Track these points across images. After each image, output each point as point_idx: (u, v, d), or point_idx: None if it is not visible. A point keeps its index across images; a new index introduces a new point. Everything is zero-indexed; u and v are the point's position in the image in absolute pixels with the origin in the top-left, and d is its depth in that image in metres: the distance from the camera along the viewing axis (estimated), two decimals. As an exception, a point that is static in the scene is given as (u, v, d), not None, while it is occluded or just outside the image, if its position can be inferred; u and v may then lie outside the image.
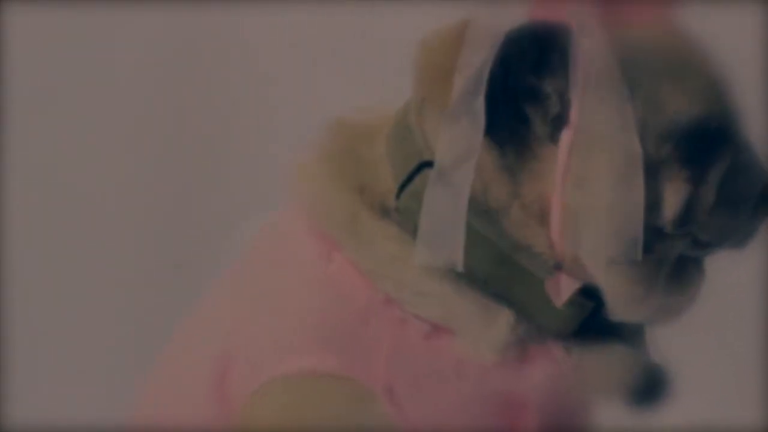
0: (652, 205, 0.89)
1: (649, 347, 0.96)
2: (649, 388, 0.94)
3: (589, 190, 0.88)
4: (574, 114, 0.88)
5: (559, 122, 0.89)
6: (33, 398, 1.73)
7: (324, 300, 0.92)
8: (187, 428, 0.97)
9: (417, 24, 0.95)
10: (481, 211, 0.90)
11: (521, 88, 0.89)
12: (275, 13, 1.72)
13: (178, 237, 1.78)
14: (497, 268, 0.91)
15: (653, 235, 0.89)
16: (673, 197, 0.90)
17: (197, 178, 1.79)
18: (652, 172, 0.88)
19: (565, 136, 0.88)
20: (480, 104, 0.87)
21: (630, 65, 0.88)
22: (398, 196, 0.93)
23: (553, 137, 0.89)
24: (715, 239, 0.93)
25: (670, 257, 0.92)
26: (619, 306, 0.91)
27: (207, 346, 0.97)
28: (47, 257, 1.78)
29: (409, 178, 0.92)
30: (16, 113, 1.75)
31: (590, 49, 0.88)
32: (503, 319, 0.91)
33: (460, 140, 0.88)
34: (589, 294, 0.92)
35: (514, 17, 0.88)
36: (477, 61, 0.88)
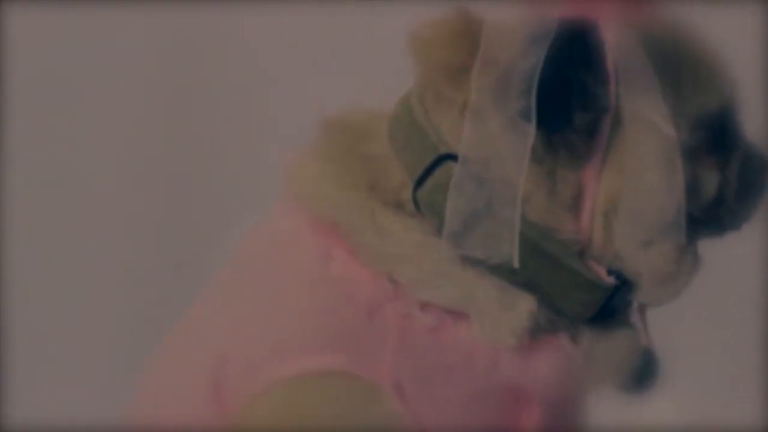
0: (688, 189, 0.92)
1: (638, 331, 0.98)
2: (644, 371, 0.96)
3: (630, 175, 0.91)
4: (612, 105, 0.91)
5: (599, 113, 0.91)
6: (33, 398, 1.73)
7: (327, 299, 0.93)
8: (184, 429, 0.97)
9: (417, 24, 0.96)
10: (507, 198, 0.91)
11: (566, 83, 0.90)
12: (275, 13, 1.72)
13: (178, 237, 1.78)
14: (523, 255, 0.91)
15: (686, 218, 0.92)
16: (708, 183, 0.94)
17: (197, 178, 1.79)
18: (688, 158, 0.92)
19: (605, 125, 0.91)
20: (532, 103, 0.89)
21: (653, 57, 0.91)
22: (416, 189, 0.93)
23: (590, 128, 0.91)
24: (736, 222, 0.98)
25: (697, 240, 0.96)
26: (652, 285, 0.94)
27: (205, 346, 0.97)
28: (47, 257, 1.79)
29: (428, 172, 0.93)
30: (16, 113, 1.75)
31: (620, 43, 0.90)
32: (524, 303, 0.92)
33: (492, 137, 0.90)
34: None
35: (530, 15, 0.90)
36: (500, 57, 0.90)
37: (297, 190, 0.97)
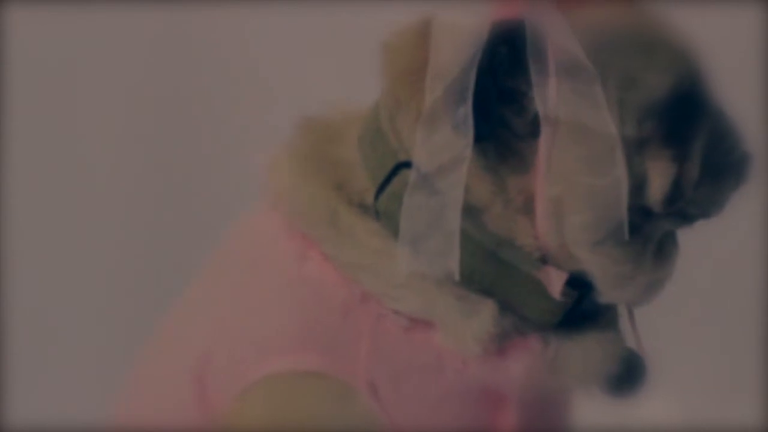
0: (638, 185, 0.90)
1: (623, 334, 0.96)
2: (627, 375, 0.95)
3: (571, 178, 0.89)
4: (550, 107, 0.88)
5: (537, 117, 0.89)
6: (33, 398, 1.73)
7: (302, 299, 0.93)
8: (168, 429, 0.97)
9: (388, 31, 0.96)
10: (463, 209, 0.90)
11: (499, 91, 0.89)
12: (275, 13, 1.72)
13: (177, 236, 1.78)
14: (482, 264, 0.91)
15: (641, 215, 0.91)
16: (660, 178, 0.91)
17: (197, 178, 1.79)
18: (635, 152, 0.90)
19: (544, 129, 0.89)
20: (468, 113, 0.88)
21: (598, 49, 0.89)
22: (377, 197, 0.93)
23: (533, 133, 0.90)
24: (703, 211, 0.94)
25: (657, 235, 0.93)
26: (609, 287, 0.92)
27: (187, 347, 0.98)
28: (47, 257, 1.79)
29: (387, 180, 0.92)
30: (17, 112, 1.75)
31: (556, 41, 0.88)
32: (487, 310, 0.91)
33: (442, 147, 0.89)
34: (571, 283, 0.92)
35: (473, 16, 0.88)
36: (445, 64, 0.88)
37: (270, 188, 0.97)
